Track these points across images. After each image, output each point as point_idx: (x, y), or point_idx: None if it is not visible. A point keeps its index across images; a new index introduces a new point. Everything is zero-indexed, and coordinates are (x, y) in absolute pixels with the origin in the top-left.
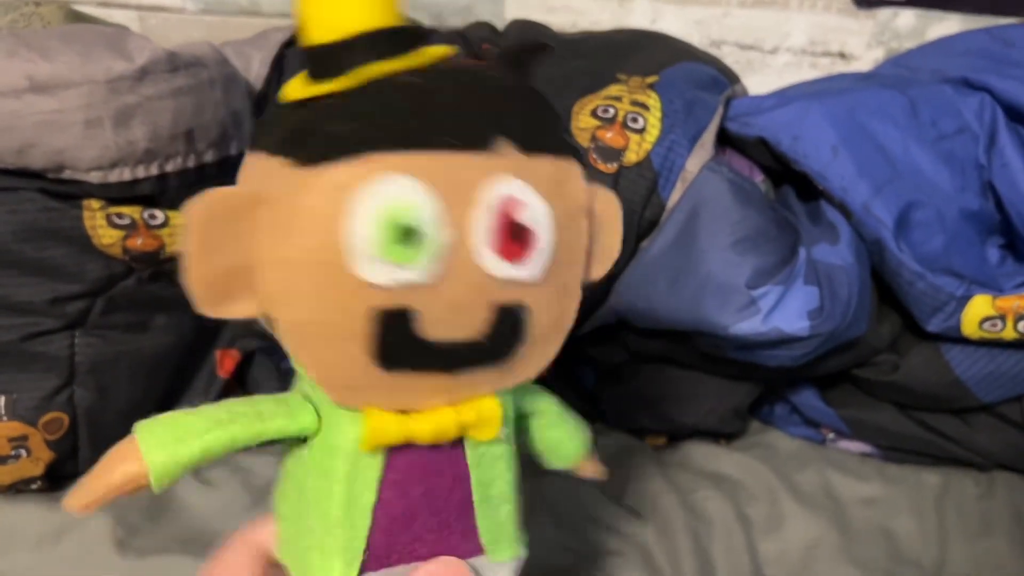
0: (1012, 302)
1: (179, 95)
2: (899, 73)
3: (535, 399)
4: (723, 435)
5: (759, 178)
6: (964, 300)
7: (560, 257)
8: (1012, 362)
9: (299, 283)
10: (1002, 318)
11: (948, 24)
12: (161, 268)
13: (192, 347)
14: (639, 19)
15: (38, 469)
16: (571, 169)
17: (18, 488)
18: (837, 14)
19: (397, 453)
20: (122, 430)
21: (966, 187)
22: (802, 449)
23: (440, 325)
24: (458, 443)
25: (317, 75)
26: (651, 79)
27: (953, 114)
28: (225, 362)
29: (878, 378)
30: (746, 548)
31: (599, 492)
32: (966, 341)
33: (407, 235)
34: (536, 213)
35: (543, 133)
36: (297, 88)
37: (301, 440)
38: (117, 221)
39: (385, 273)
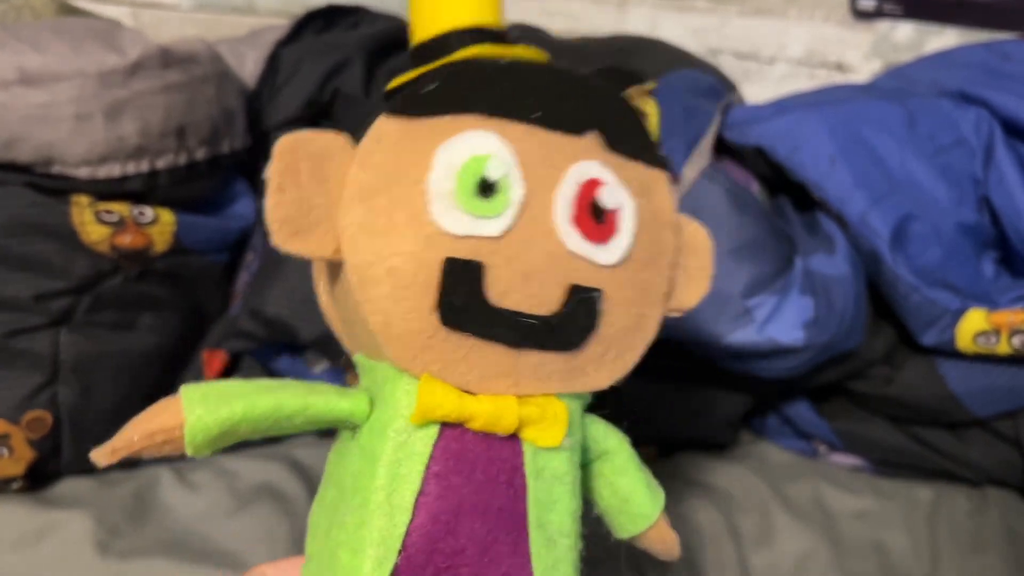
0: (1006, 317)
1: (171, 91)
2: (897, 85)
3: (604, 435)
4: (714, 446)
5: (755, 187)
6: (959, 314)
7: (643, 256)
8: (1006, 377)
9: (377, 221)
10: (996, 333)
11: (945, 38)
12: (149, 266)
13: (179, 347)
14: (637, 25)
15: (19, 468)
16: (660, 181)
17: None
18: (835, 25)
19: (449, 438)
20: (106, 430)
21: (962, 201)
22: (794, 462)
23: (511, 292)
24: (517, 444)
25: (419, 63)
26: (649, 85)
27: (950, 127)
28: (212, 363)
29: (872, 391)
30: (737, 561)
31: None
32: (960, 355)
33: (486, 189)
34: (620, 199)
35: (635, 139)
36: (399, 79)
37: (350, 431)
38: (105, 217)
39: (461, 222)
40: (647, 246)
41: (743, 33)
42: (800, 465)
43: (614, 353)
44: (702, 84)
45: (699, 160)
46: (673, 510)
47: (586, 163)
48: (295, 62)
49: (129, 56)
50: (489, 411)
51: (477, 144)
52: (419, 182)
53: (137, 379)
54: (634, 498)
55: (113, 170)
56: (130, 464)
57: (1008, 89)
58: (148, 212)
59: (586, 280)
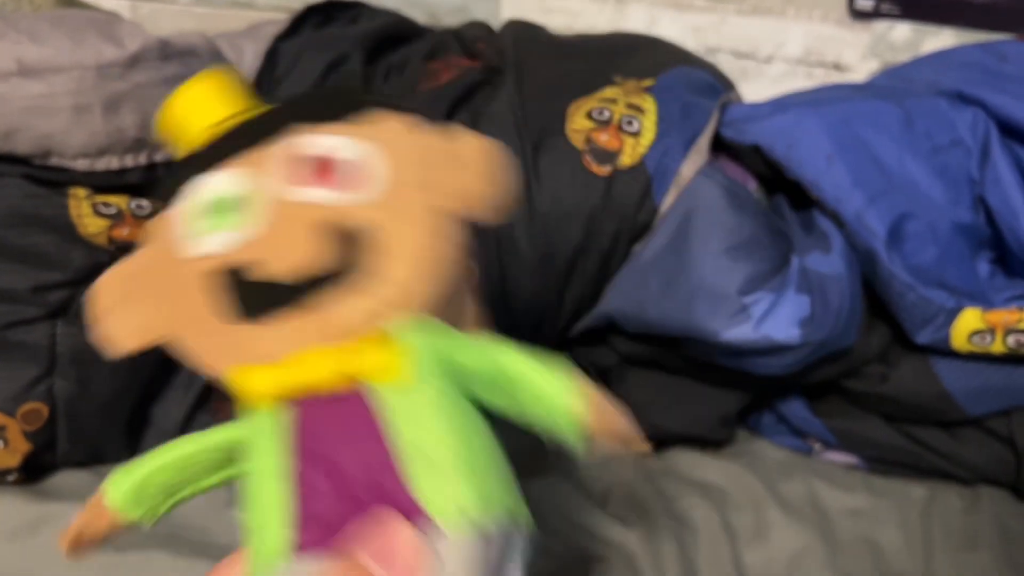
0: (1001, 316)
1: (170, 84)
2: (894, 85)
3: (480, 352)
4: (709, 443)
5: (752, 185)
6: (954, 313)
7: (403, 179)
8: (1000, 376)
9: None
10: (991, 332)
11: (942, 38)
12: None
13: None
14: (636, 23)
15: (15, 460)
16: (385, 119)
17: None
18: (833, 25)
19: (298, 411)
20: (101, 423)
21: (958, 200)
22: (789, 459)
23: (274, 263)
24: (363, 394)
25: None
26: (647, 82)
27: (947, 127)
28: None
29: (866, 389)
30: (731, 557)
31: (583, 497)
32: (955, 354)
33: (215, 208)
34: (330, 146)
35: (334, 110)
36: None
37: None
38: (103, 210)
39: (204, 243)
40: (409, 172)
41: (741, 32)
42: (795, 463)
43: (402, 270)
44: (700, 82)
45: (697, 158)
46: (668, 507)
47: (288, 142)
48: (294, 56)
49: (128, 48)
50: (304, 369)
51: (199, 187)
52: (171, 228)
53: (133, 372)
54: (540, 400)
55: (111, 162)
56: (128, 457)
57: (1004, 90)
58: (146, 205)
59: (330, 218)
